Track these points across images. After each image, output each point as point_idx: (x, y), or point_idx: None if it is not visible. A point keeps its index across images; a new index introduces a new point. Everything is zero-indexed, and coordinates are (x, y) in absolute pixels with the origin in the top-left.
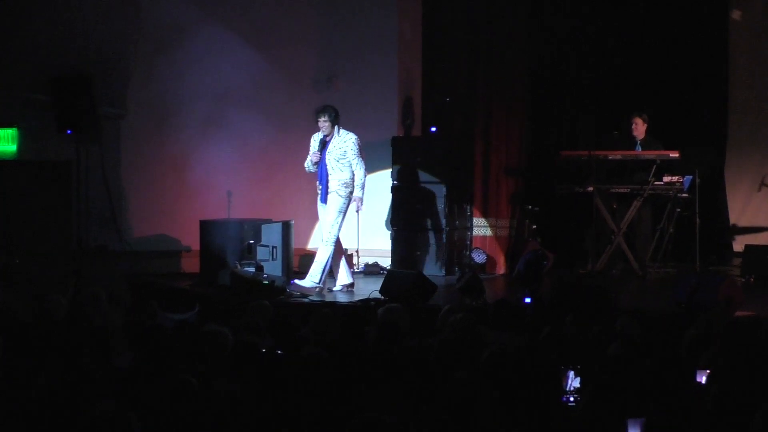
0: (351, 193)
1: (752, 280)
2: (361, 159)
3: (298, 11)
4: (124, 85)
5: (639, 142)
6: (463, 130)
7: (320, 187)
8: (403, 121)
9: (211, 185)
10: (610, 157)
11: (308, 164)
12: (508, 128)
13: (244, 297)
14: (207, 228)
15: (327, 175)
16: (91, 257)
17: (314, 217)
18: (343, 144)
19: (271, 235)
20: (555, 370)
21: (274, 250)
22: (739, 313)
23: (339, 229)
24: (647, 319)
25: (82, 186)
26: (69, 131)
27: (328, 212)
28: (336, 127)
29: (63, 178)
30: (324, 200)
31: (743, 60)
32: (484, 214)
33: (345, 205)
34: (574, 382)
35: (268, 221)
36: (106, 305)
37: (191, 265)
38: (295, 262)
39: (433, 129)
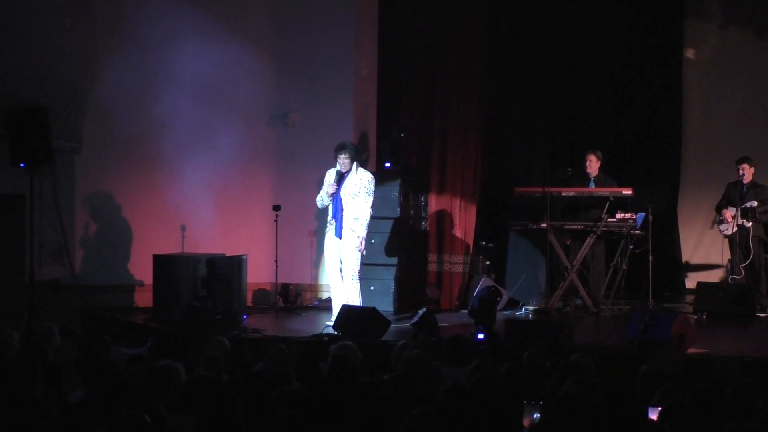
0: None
1: (704, 317)
2: (371, 198)
3: (254, 48)
4: (80, 119)
5: (593, 179)
6: (417, 166)
7: (333, 221)
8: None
9: (164, 220)
10: (564, 194)
11: (321, 198)
12: (462, 164)
13: (198, 332)
14: (160, 262)
15: (342, 210)
16: (44, 291)
17: (268, 253)
18: (359, 181)
19: (225, 270)
20: (511, 407)
21: (228, 285)
22: (691, 350)
23: (360, 264)
24: (601, 356)
25: (35, 219)
26: (23, 164)
27: (347, 252)
28: (354, 164)
29: (16, 212)
30: (339, 234)
31: (697, 98)
32: (439, 250)
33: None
34: (535, 417)
35: (222, 256)
36: (59, 339)
37: (145, 299)
38: (248, 297)
39: (388, 165)
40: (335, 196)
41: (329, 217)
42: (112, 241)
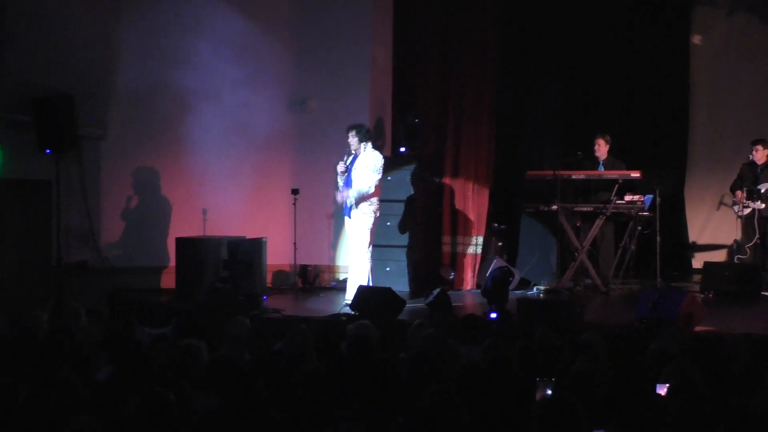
0: (375, 210)
1: (711, 296)
2: (378, 176)
3: (274, 36)
4: (105, 106)
5: (602, 162)
6: (432, 150)
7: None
8: (374, 141)
9: (187, 203)
10: (574, 177)
11: (339, 181)
12: (476, 148)
13: (220, 312)
14: (183, 245)
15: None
16: (71, 274)
17: (287, 235)
18: (368, 160)
19: (246, 252)
20: (526, 384)
21: (248, 266)
22: (699, 329)
23: (371, 244)
24: (610, 334)
25: (62, 204)
26: (49, 151)
27: (358, 232)
28: (363, 144)
29: (43, 197)
30: (348, 213)
31: (703, 83)
32: (453, 232)
33: (371, 222)
34: (547, 393)
35: (242, 238)
36: (86, 320)
37: (168, 281)
38: (268, 278)
39: (403, 149)
40: (347, 176)
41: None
42: (136, 225)
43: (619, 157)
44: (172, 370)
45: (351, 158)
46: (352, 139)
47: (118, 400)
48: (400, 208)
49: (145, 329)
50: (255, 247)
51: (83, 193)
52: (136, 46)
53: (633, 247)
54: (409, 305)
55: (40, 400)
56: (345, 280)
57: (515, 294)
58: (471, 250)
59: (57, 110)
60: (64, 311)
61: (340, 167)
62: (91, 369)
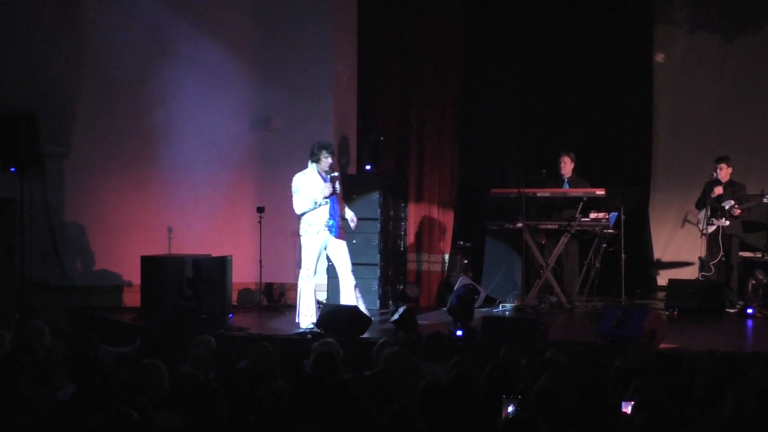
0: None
1: (675, 313)
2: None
3: (236, 54)
4: (68, 123)
5: (566, 180)
6: (396, 168)
7: (332, 222)
8: (339, 159)
9: (151, 222)
10: (538, 195)
11: (315, 201)
12: (440, 166)
13: (185, 331)
14: (148, 263)
15: (336, 210)
16: (34, 292)
17: (252, 253)
18: (339, 179)
19: (210, 270)
20: (490, 402)
21: (213, 284)
22: (663, 346)
23: None
24: (575, 352)
25: (25, 222)
26: (12, 169)
27: (346, 250)
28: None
29: (6, 215)
30: (337, 234)
31: (666, 101)
32: (418, 250)
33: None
34: (510, 411)
35: (207, 257)
36: (49, 339)
37: (132, 299)
38: (233, 296)
39: (368, 167)
40: (332, 197)
41: (325, 219)
42: (100, 243)
43: (582, 174)
44: (135, 389)
45: (329, 178)
46: (331, 159)
47: (81, 419)
48: (366, 227)
49: (108, 348)
50: (220, 266)
51: (47, 211)
52: (99, 64)
53: (598, 265)
54: (374, 323)
55: (3, 418)
56: None
57: (480, 312)
58: (436, 267)
59: (20, 128)
60: (27, 329)
61: (329, 190)
62: (54, 387)
